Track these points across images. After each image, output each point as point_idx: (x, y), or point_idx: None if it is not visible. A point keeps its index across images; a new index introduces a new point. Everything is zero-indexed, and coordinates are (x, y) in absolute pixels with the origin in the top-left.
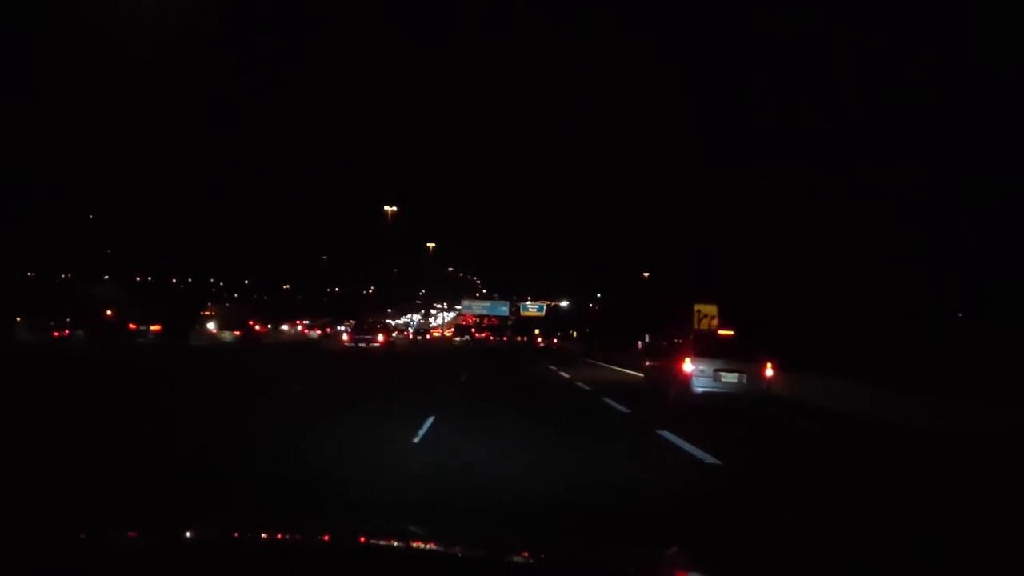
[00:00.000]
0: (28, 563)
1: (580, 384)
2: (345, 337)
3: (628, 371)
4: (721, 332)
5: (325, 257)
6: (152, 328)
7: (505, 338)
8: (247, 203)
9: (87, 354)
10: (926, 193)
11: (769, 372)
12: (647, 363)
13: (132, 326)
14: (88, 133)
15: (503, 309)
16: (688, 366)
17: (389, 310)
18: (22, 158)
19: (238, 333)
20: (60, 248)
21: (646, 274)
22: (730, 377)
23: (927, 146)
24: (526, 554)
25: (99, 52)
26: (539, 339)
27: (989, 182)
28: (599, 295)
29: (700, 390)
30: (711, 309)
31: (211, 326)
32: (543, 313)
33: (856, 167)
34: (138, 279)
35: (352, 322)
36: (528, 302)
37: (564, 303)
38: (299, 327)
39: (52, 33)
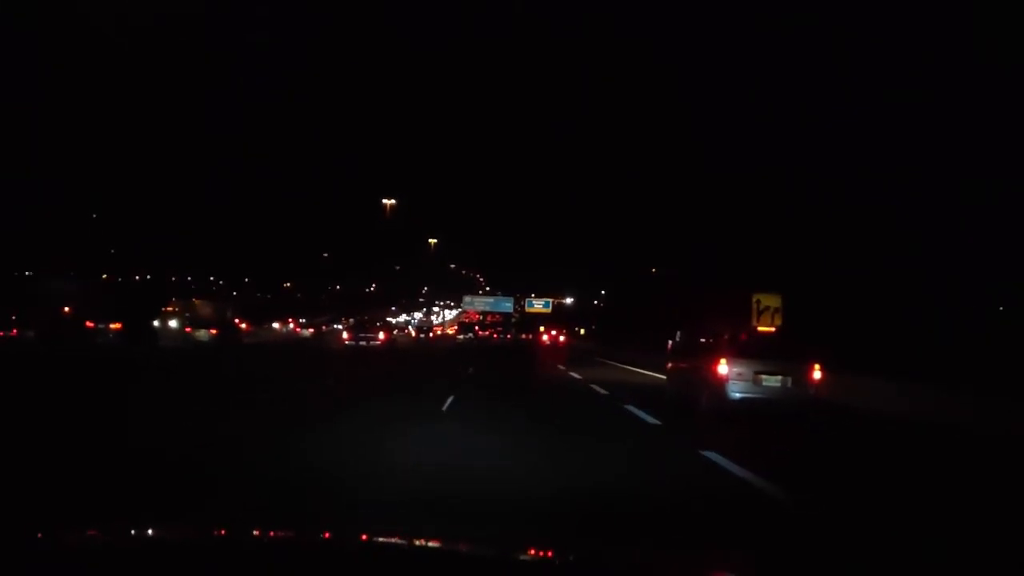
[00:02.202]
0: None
1: (635, 410)
2: (345, 335)
3: (652, 373)
4: (761, 328)
5: (326, 255)
6: (112, 326)
7: (509, 336)
8: (247, 202)
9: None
10: (926, 193)
11: (817, 375)
12: (670, 365)
13: (89, 324)
14: (87, 133)
15: (507, 306)
16: (723, 368)
17: (393, 308)
18: (16, 156)
19: (214, 332)
20: (47, 248)
21: (659, 268)
22: (772, 381)
23: (927, 146)
24: None
25: (99, 51)
26: (544, 336)
27: (989, 182)
28: (603, 292)
29: (737, 396)
30: (773, 300)
31: (173, 323)
32: (549, 310)
33: (856, 166)
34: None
35: (349, 320)
36: (533, 298)
37: (568, 300)
38: (291, 325)
39: (52, 33)
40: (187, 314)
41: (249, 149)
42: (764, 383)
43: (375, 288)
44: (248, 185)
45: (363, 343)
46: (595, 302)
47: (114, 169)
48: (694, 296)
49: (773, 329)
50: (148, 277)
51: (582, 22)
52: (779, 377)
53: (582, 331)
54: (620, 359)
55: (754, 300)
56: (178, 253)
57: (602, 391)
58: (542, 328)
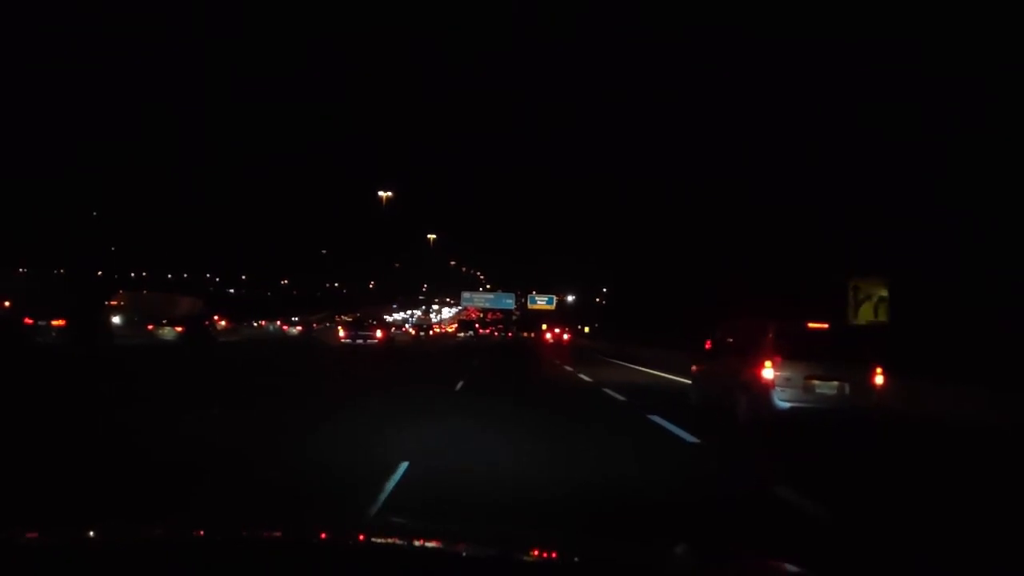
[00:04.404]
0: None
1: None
2: (341, 333)
3: (670, 376)
4: (812, 324)
5: (325, 251)
6: (54, 323)
7: (510, 334)
8: (246, 200)
9: None
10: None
11: (879, 380)
12: (695, 367)
13: (28, 321)
14: (84, 133)
15: (508, 302)
16: (768, 372)
17: (395, 306)
18: (14, 154)
19: (180, 329)
20: (42, 246)
21: (668, 261)
22: (826, 387)
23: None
24: None
25: (99, 49)
26: (547, 334)
27: None
28: (604, 290)
29: (785, 405)
30: (877, 287)
31: (117, 319)
32: (552, 306)
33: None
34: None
35: (342, 317)
36: (535, 295)
37: (570, 297)
38: (278, 323)
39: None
40: (136, 308)
41: (248, 148)
42: (817, 390)
43: (374, 285)
44: (248, 183)
45: (360, 341)
46: (597, 300)
47: (111, 168)
48: (721, 289)
49: (826, 325)
50: (144, 275)
51: (594, 11)
52: (835, 383)
53: (586, 329)
54: (634, 359)
55: (851, 287)
56: (175, 252)
57: (683, 434)
58: (545, 326)
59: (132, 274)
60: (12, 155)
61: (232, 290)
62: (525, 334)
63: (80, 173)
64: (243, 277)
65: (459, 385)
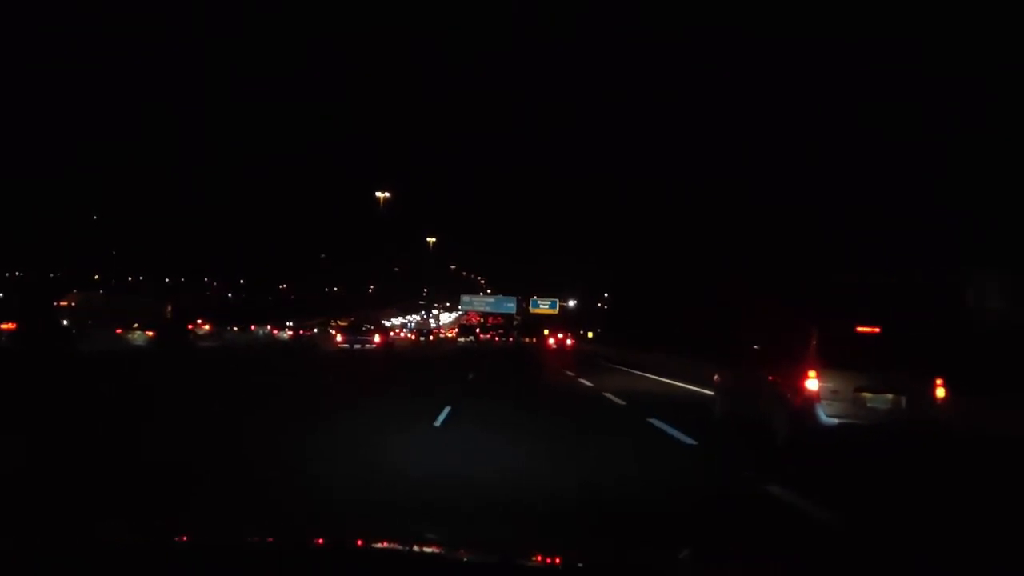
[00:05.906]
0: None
1: None
2: (339, 338)
3: (686, 386)
4: (861, 328)
5: (324, 256)
6: (3, 327)
7: (511, 339)
8: (245, 200)
9: None
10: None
11: (940, 392)
12: (718, 377)
13: None
14: (87, 133)
15: (510, 306)
16: (813, 383)
17: (396, 310)
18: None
19: (151, 333)
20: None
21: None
22: (880, 401)
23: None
24: None
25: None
26: (551, 340)
27: None
28: (606, 295)
29: (833, 421)
30: (998, 282)
31: (67, 322)
32: (555, 310)
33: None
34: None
35: (337, 322)
36: (537, 299)
37: (572, 302)
38: (268, 327)
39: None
40: (90, 309)
41: (248, 148)
42: (868, 404)
43: (373, 289)
44: (248, 183)
45: (358, 346)
46: (599, 304)
47: (111, 168)
48: (721, 289)
49: (877, 329)
50: (141, 279)
51: (594, 11)
52: (889, 396)
53: (590, 334)
54: (644, 367)
55: (971, 284)
56: (173, 255)
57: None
58: (547, 331)
59: (129, 277)
60: (12, 155)
61: (230, 294)
62: (527, 339)
63: (80, 173)
64: (241, 281)
65: (444, 415)
